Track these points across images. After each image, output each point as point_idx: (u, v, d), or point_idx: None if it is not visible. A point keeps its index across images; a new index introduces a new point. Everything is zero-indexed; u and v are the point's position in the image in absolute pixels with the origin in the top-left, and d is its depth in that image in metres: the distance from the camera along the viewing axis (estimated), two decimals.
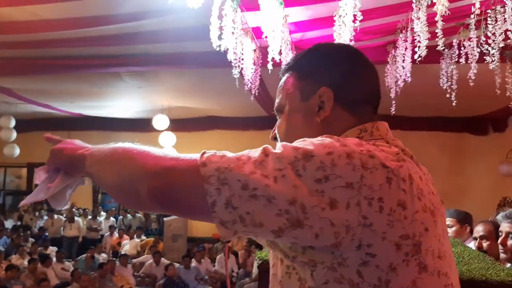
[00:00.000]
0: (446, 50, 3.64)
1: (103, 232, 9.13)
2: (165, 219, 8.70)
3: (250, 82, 4.13)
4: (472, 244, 2.51)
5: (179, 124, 8.61)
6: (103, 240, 8.81)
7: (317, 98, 0.80)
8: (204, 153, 0.68)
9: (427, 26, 2.86)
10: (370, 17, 3.34)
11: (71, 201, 1.03)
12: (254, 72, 4.04)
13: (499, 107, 6.60)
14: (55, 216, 9.09)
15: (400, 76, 3.77)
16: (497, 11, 2.78)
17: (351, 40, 2.88)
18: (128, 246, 8.34)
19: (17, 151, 8.57)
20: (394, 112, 4.38)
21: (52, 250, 7.75)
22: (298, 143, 0.67)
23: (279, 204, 0.62)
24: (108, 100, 7.96)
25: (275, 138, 0.88)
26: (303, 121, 0.82)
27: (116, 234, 8.82)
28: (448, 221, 2.88)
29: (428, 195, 0.69)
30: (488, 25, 2.83)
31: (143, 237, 8.96)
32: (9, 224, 9.60)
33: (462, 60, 3.32)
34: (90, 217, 9.40)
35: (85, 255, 7.37)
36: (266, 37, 3.15)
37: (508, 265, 2.04)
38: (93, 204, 10.51)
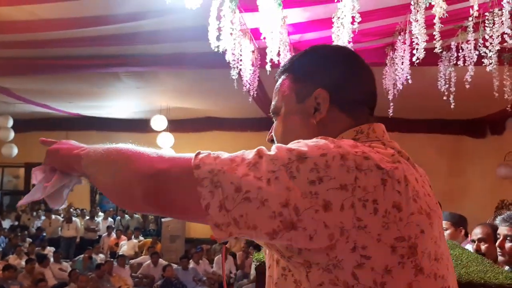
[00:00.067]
0: (444, 52, 3.65)
1: (101, 233, 9.10)
2: (163, 220, 8.67)
3: (249, 83, 4.13)
4: (468, 247, 2.52)
5: (177, 125, 8.59)
6: (101, 240, 8.79)
7: (313, 100, 0.79)
8: (198, 153, 0.68)
9: (425, 28, 2.86)
10: (368, 19, 3.34)
11: (68, 201, 1.03)
12: (253, 73, 4.04)
13: (497, 110, 6.62)
14: (53, 216, 9.07)
15: (398, 78, 3.77)
16: (494, 14, 2.78)
17: (349, 42, 2.87)
18: (126, 246, 8.32)
19: (15, 151, 8.53)
20: (392, 114, 4.38)
21: (49, 250, 7.70)
22: (293, 145, 0.67)
23: (272, 207, 0.61)
24: (107, 101, 7.94)
25: (272, 141, 0.87)
26: (299, 123, 0.81)
27: (114, 235, 8.80)
28: (443, 224, 2.88)
29: (424, 197, 0.68)
30: (486, 27, 2.84)
31: (141, 238, 8.93)
32: (6, 224, 9.56)
33: (460, 62, 3.32)
34: (88, 217, 9.37)
35: (82, 255, 7.34)
36: (264, 38, 3.15)
37: (507, 267, 2.04)
38: (91, 205, 10.48)
